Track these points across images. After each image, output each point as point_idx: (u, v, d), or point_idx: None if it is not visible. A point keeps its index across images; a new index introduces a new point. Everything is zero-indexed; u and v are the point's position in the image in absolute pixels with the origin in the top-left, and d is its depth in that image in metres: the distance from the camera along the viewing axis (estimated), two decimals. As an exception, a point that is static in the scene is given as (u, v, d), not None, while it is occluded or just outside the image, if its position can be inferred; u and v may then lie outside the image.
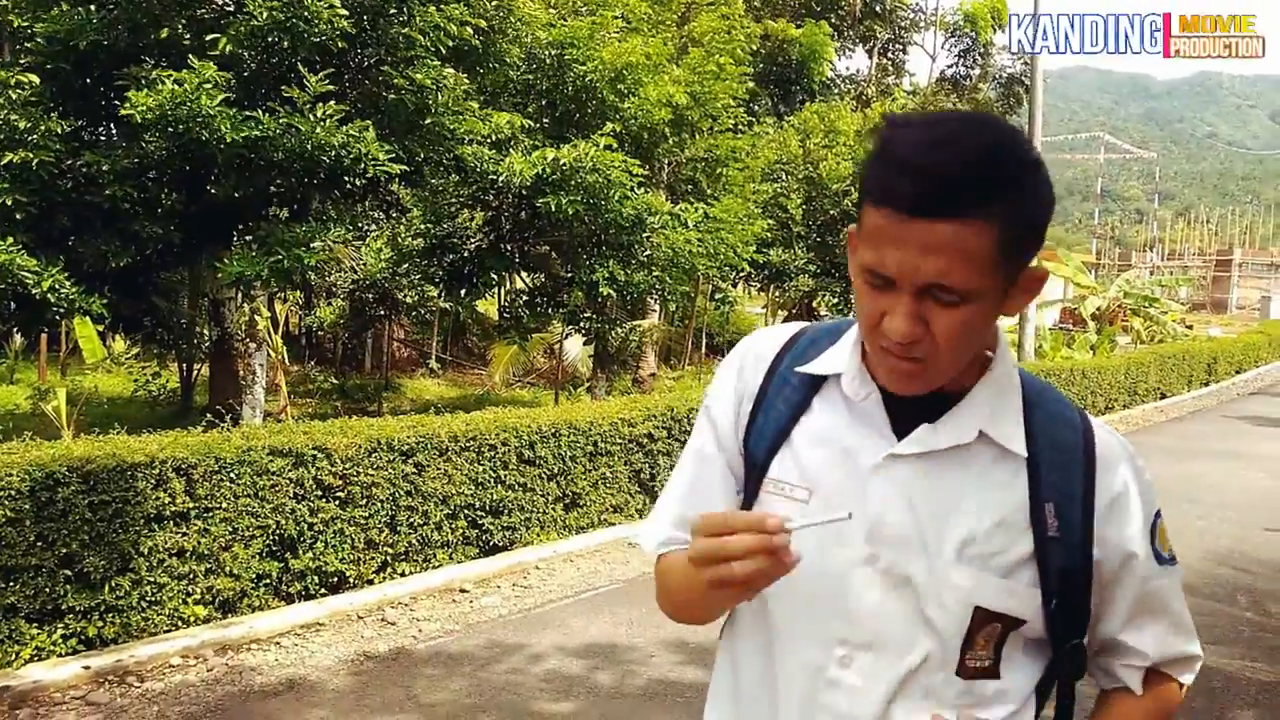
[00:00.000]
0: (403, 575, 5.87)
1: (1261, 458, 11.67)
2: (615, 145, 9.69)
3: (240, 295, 9.94)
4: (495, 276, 11.85)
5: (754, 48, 15.56)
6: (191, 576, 4.94)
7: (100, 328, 10.47)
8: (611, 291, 10.30)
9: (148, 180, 8.12)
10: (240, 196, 8.15)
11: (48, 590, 4.45)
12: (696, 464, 1.29)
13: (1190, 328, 27.26)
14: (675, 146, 11.76)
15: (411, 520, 5.89)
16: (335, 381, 14.73)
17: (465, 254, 11.16)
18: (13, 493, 4.34)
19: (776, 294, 18.77)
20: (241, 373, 9.74)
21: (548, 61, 10.44)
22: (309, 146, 7.40)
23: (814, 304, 17.30)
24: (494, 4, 9.23)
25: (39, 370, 14.22)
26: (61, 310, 7.58)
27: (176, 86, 6.99)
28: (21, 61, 7.91)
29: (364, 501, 5.62)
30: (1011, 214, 1.00)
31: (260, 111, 7.38)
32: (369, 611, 5.50)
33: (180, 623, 4.91)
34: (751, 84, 13.77)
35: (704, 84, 11.52)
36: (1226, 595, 6.20)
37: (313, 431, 5.65)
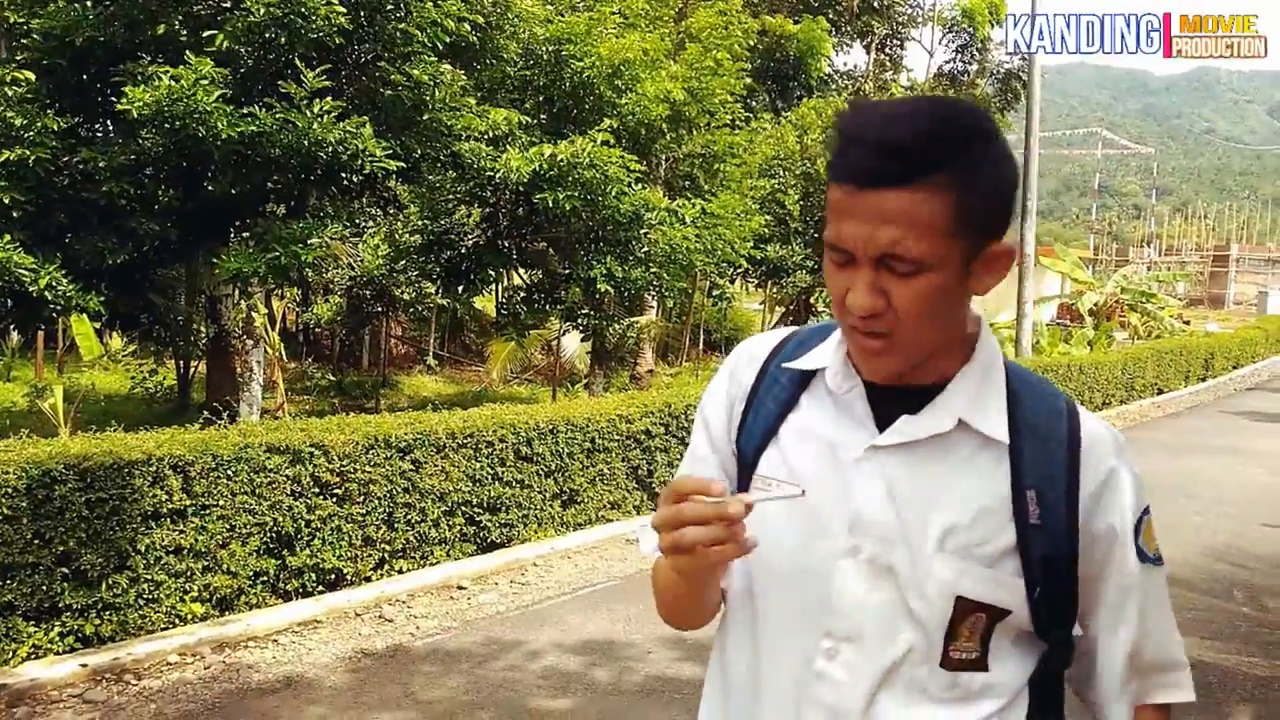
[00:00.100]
0: (400, 572, 5.87)
1: (1259, 453, 11.68)
2: (612, 141, 9.68)
3: (237, 292, 9.94)
4: (493, 273, 11.85)
5: (751, 43, 15.52)
6: (189, 574, 4.93)
7: (97, 325, 10.47)
8: (609, 288, 10.30)
9: (144, 177, 8.12)
10: (237, 193, 8.15)
11: (45, 588, 4.45)
12: (690, 466, 1.30)
13: (1187, 323, 27.26)
14: (673, 142, 11.75)
15: (409, 517, 5.89)
16: (332, 378, 14.71)
17: (463, 250, 11.16)
18: (10, 490, 4.33)
19: (774, 290, 18.77)
20: (239, 370, 9.75)
21: (545, 57, 10.42)
22: (306, 143, 7.39)
23: (811, 300, 17.31)
24: (491, 0, 9.22)
25: (36, 368, 14.22)
26: (58, 307, 7.58)
27: (173, 83, 6.98)
28: (18, 58, 7.90)
29: (361, 499, 5.62)
30: (965, 183, 1.02)
31: (257, 108, 7.37)
32: (366, 609, 5.50)
33: (178, 620, 4.90)
34: (749, 80, 13.76)
35: (701, 80, 11.52)
36: (1223, 590, 6.21)
37: (310, 428, 5.65)
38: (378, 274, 14.26)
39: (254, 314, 9.13)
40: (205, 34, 7.49)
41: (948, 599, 1.10)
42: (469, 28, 8.61)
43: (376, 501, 5.69)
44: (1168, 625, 1.21)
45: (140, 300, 9.72)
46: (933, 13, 26.66)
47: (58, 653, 4.49)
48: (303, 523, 5.35)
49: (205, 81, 7.06)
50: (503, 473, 6.39)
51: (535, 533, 6.67)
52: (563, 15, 10.68)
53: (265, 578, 5.25)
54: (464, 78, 8.98)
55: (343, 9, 7.47)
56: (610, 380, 13.95)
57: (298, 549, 5.36)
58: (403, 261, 12.73)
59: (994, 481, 1.12)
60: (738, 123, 13.14)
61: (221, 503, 5.01)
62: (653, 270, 10.63)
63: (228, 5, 7.87)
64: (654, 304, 15.89)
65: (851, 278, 1.06)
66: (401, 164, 8.18)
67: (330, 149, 7.48)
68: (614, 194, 9.67)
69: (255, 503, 5.14)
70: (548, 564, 6.49)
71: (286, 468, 5.28)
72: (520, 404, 7.77)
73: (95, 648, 4.59)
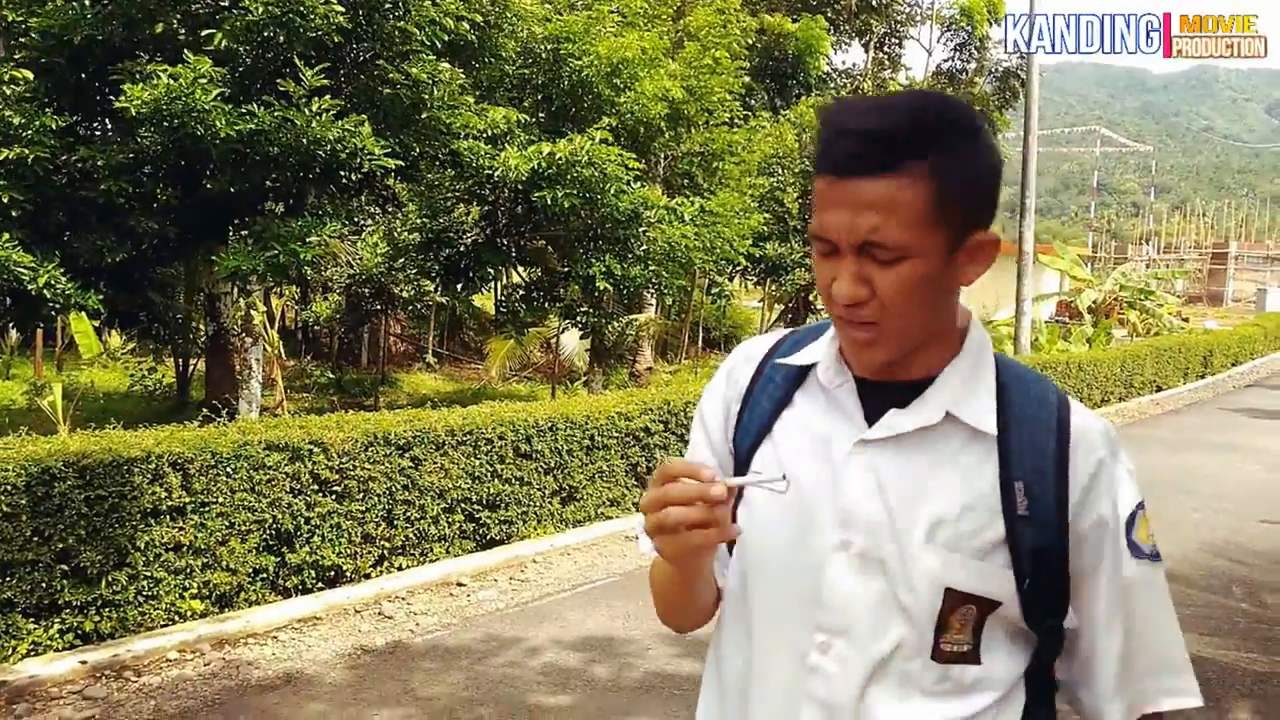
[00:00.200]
0: (400, 569, 5.88)
1: (1258, 450, 11.69)
2: (611, 139, 9.67)
3: (236, 290, 9.95)
4: (491, 271, 11.85)
5: (750, 42, 15.54)
6: (188, 571, 4.94)
7: (96, 323, 10.45)
8: (608, 285, 10.30)
9: (143, 175, 8.12)
10: (236, 191, 8.14)
11: (44, 585, 4.45)
12: None
13: (1186, 320, 27.23)
14: (671, 141, 11.75)
15: (408, 514, 5.89)
16: (331, 376, 14.71)
17: (461, 248, 11.16)
18: (9, 488, 4.34)
19: (773, 288, 18.77)
20: (238, 367, 9.75)
21: (543, 56, 10.42)
22: (305, 141, 7.39)
23: (810, 298, 17.30)
24: (489, -2, 9.23)
25: (35, 365, 14.22)
26: (57, 306, 7.58)
27: (172, 81, 6.98)
28: (16, 57, 7.89)
29: (361, 496, 5.62)
30: (945, 171, 1.04)
31: (256, 106, 7.36)
32: (366, 605, 5.51)
33: (177, 617, 4.91)
34: (747, 78, 13.75)
35: (700, 78, 11.52)
36: (1222, 587, 6.22)
37: (309, 426, 5.65)
38: (376, 272, 14.26)
39: (253, 312, 9.13)
40: (204, 33, 7.49)
41: (936, 591, 1.10)
42: (467, 26, 8.61)
43: (376, 499, 5.69)
44: (1167, 625, 1.18)
45: (139, 298, 9.72)
46: (931, 11, 26.65)
47: (57, 650, 4.50)
48: (302, 520, 5.36)
49: (204, 80, 7.06)
50: (502, 470, 6.40)
51: (535, 530, 6.68)
52: (561, 14, 10.67)
53: (265, 575, 5.25)
54: (462, 76, 8.97)
55: (341, 8, 7.47)
56: (609, 378, 13.95)
57: (297, 546, 5.36)
58: (401, 259, 12.74)
59: (982, 474, 1.12)
60: (736, 121, 13.15)
61: (221, 500, 5.02)
62: (651, 268, 10.63)
63: (226, 4, 7.86)
64: (653, 302, 15.90)
65: (836, 267, 1.08)
66: (400, 162, 8.19)
67: (329, 147, 7.48)
68: (613, 192, 9.67)
69: (254, 500, 5.14)
70: (547, 561, 6.50)
71: (286, 465, 5.29)
72: (519, 401, 7.77)
73: (95, 644, 4.60)
